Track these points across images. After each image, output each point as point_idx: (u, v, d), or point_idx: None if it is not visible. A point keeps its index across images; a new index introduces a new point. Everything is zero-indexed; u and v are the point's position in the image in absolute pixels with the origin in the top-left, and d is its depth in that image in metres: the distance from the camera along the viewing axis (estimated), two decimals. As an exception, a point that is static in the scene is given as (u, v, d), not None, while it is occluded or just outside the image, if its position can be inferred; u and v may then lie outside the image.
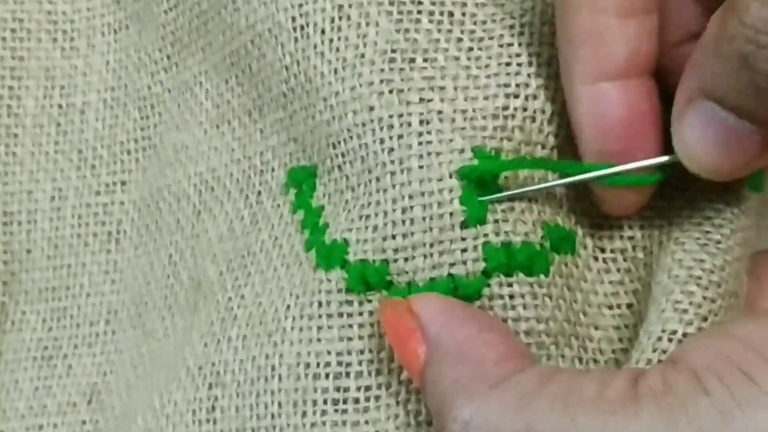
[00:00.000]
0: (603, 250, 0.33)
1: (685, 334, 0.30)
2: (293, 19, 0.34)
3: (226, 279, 0.35)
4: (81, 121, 0.40)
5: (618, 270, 0.33)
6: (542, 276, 0.31)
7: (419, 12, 0.33)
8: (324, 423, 0.31)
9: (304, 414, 0.32)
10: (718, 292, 0.30)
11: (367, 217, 0.32)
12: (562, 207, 0.33)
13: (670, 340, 0.30)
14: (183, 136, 0.38)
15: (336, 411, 0.31)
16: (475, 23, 0.33)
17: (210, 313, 0.35)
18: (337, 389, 0.31)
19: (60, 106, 0.40)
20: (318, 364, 0.32)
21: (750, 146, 0.29)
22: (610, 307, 0.33)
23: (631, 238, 0.33)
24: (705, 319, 0.30)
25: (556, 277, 0.32)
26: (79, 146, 0.39)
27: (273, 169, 0.36)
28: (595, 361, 0.32)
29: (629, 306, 0.33)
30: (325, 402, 0.32)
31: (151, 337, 0.37)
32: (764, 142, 0.29)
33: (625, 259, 0.33)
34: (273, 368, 0.32)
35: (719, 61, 0.28)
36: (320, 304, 0.32)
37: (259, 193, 0.36)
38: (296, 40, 0.34)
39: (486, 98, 0.32)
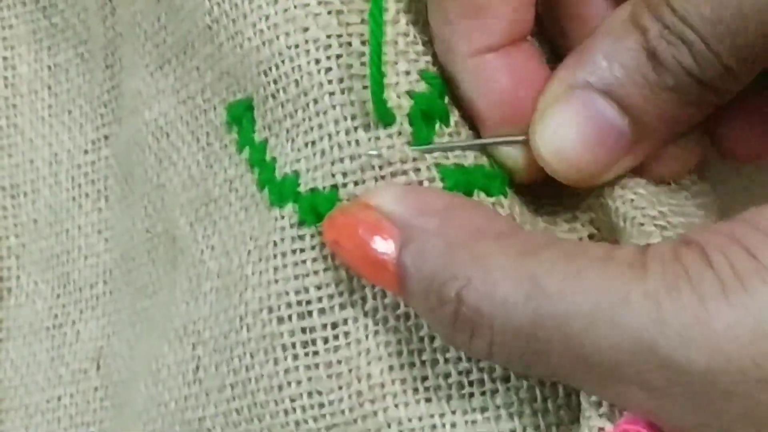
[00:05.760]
0: None
1: None
2: None
3: (196, 230, 0.34)
4: (66, 80, 0.39)
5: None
6: (502, 197, 0.30)
7: None
8: (297, 368, 0.30)
9: (276, 361, 0.30)
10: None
11: (313, 143, 0.31)
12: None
13: None
14: (136, 81, 0.36)
15: (306, 354, 0.30)
16: None
17: (187, 268, 0.34)
18: (303, 330, 0.30)
19: (49, 68, 0.39)
20: (279, 307, 0.30)
21: (622, 146, 0.29)
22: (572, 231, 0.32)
23: None
24: None
25: (518, 197, 0.31)
26: (69, 107, 0.39)
27: (215, 107, 0.34)
28: None
29: (591, 237, 0.31)
30: (294, 345, 0.30)
31: (143, 294, 0.36)
32: (634, 145, 0.29)
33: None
34: (240, 318, 0.31)
35: (620, 52, 0.28)
36: (275, 243, 0.31)
37: (207, 134, 0.34)
38: None
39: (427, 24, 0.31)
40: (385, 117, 0.30)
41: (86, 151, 0.38)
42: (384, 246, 0.28)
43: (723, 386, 0.25)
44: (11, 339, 0.38)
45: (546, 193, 0.32)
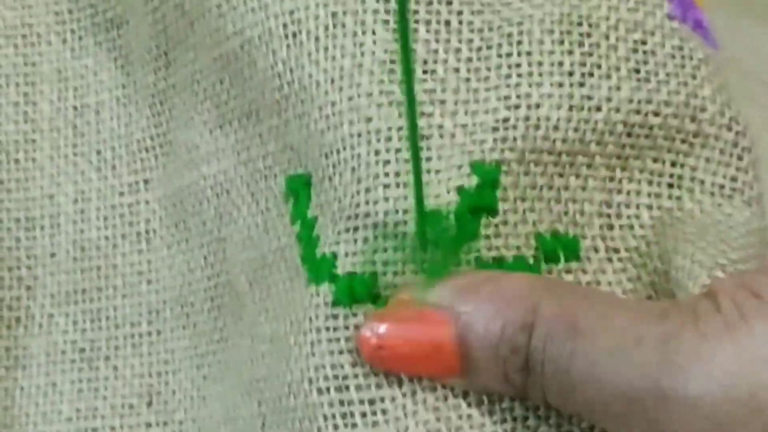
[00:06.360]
0: (617, 251, 0.33)
1: None
2: (285, 26, 0.33)
3: (255, 292, 0.35)
4: (96, 122, 0.40)
5: (634, 266, 0.32)
6: None
7: (416, 21, 0.32)
8: None
9: (319, 429, 0.31)
10: None
11: (356, 229, 0.32)
12: (567, 213, 0.32)
13: None
14: (191, 134, 0.37)
15: (346, 425, 0.31)
16: (472, 31, 0.32)
17: (249, 326, 0.35)
18: (341, 403, 0.31)
19: (75, 108, 0.40)
20: (318, 379, 0.31)
21: None
22: None
23: (643, 236, 0.33)
24: None
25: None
26: (98, 147, 0.39)
27: (275, 176, 0.35)
28: None
29: (649, 298, 0.32)
30: (334, 416, 0.31)
31: (208, 339, 0.37)
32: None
33: (640, 255, 0.32)
34: (288, 386, 0.32)
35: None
36: (311, 319, 0.32)
37: (267, 198, 0.35)
38: (289, 47, 0.33)
39: (486, 112, 0.32)
40: (429, 221, 0.31)
41: (122, 193, 0.39)
42: (436, 330, 0.30)
43: (720, 418, 0.26)
44: (20, 368, 0.38)
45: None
